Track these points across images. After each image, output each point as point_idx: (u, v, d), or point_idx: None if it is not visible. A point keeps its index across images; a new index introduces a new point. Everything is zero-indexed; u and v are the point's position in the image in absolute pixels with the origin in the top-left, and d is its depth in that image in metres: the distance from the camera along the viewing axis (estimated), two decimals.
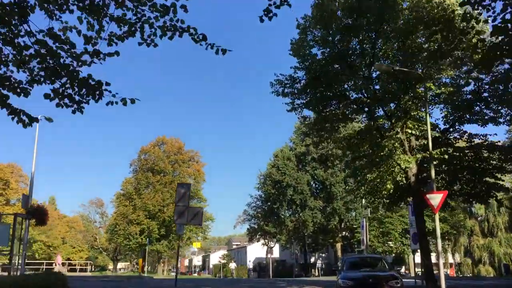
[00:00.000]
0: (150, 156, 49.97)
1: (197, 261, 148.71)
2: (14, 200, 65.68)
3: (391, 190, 16.04)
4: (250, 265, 61.99)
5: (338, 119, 17.93)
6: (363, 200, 42.15)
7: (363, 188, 18.01)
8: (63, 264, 72.14)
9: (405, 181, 16.52)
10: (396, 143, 15.79)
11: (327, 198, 49.22)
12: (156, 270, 55.63)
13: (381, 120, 16.35)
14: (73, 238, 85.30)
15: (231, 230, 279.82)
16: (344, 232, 52.19)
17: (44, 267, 56.78)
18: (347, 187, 48.01)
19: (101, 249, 72.79)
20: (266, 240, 60.76)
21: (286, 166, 49.19)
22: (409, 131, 16.11)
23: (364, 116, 18.23)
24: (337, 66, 16.91)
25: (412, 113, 16.13)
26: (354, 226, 51.42)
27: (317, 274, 47.16)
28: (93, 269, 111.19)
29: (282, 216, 53.46)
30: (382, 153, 15.78)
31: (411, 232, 24.92)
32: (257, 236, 60.76)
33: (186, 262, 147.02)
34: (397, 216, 45.01)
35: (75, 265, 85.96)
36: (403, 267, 67.28)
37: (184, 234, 49.42)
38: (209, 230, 53.34)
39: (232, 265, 50.38)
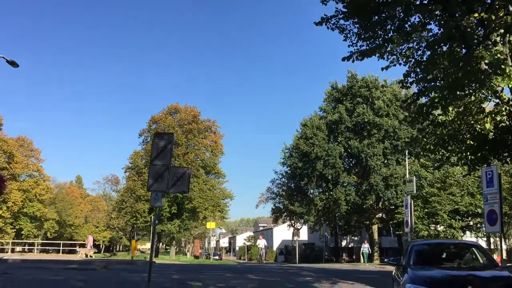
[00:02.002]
0: (161, 126, 44.38)
1: (223, 243, 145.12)
2: (24, 176, 62.00)
3: (490, 134, 9.63)
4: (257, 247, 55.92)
5: (397, 26, 11.23)
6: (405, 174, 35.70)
7: (436, 134, 11.53)
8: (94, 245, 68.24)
9: (507, 123, 10.05)
10: (499, 55, 9.35)
11: (362, 173, 42.62)
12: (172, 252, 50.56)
13: (472, 17, 9.73)
14: (95, 217, 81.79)
15: (258, 212, 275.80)
16: (381, 213, 45.69)
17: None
18: (386, 160, 41.33)
19: (117, 228, 68.45)
20: (292, 221, 54.93)
21: (315, 136, 42.73)
22: None
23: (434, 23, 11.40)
24: None
25: None
26: (392, 207, 44.89)
27: (363, 261, 40.14)
28: (120, 249, 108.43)
29: (311, 194, 47.36)
30: (472, 76, 9.39)
31: (486, 209, 18.48)
32: (283, 217, 54.96)
33: (213, 243, 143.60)
34: (445, 195, 38.21)
35: (98, 245, 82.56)
36: None
37: (200, 212, 44.00)
38: (228, 209, 47.87)
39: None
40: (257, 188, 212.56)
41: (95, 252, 37.68)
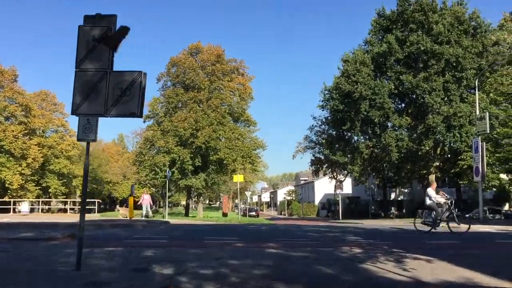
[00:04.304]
0: (181, 68, 39.00)
1: (264, 197, 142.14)
2: (49, 131, 58.82)
3: None
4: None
5: None
6: None
7: None
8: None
9: None
10: None
11: (416, 114, 35.98)
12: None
13: None
14: (134, 174, 79.44)
15: (300, 165, 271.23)
16: (438, 162, 39.18)
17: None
18: (447, 96, 34.38)
19: (149, 184, 65.06)
20: (334, 173, 49.19)
21: (359, 72, 36.14)
22: None
23: None
24: None
25: None
26: (449, 155, 38.29)
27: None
28: (164, 205, 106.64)
29: (355, 142, 41.32)
30: None
31: None
32: (323, 168, 49.24)
33: (255, 199, 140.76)
34: None
35: (137, 202, 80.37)
36: (507, 204, 54.28)
37: (228, 164, 38.93)
38: (260, 160, 42.60)
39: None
40: (298, 140, 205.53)
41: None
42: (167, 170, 32.33)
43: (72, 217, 31.95)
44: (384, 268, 7.71)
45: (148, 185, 66.84)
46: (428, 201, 16.23)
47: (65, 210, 56.20)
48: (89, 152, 7.80)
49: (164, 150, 37.22)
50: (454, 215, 15.79)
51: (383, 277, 7.12)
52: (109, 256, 8.93)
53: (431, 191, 16.40)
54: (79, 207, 52.51)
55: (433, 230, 15.53)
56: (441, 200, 15.99)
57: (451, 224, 15.43)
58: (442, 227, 15.84)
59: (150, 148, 39.26)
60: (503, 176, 34.07)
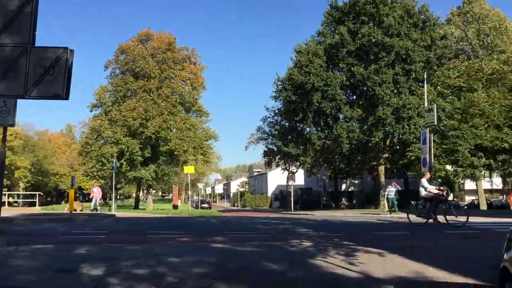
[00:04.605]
0: (130, 55, 37.50)
1: (218, 189, 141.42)
2: None
3: None
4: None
5: None
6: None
7: None
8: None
9: None
10: None
11: (367, 106, 36.26)
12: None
13: None
14: (81, 165, 76.42)
15: (254, 157, 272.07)
16: (387, 153, 39.81)
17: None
18: (396, 89, 34.86)
19: (97, 176, 62.71)
20: (287, 165, 49.18)
21: (311, 63, 35.97)
22: None
23: None
24: None
25: None
26: (397, 147, 38.98)
27: (387, 209, 29.56)
28: (118, 198, 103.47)
29: (307, 134, 41.29)
30: None
31: None
32: (276, 160, 49.15)
33: (209, 190, 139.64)
34: (467, 128, 32.17)
35: (88, 194, 77.58)
36: (451, 194, 56.25)
37: (179, 155, 37.87)
38: (212, 152, 41.83)
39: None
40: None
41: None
42: (114, 161, 31.11)
43: (13, 211, 29.94)
44: (334, 263, 7.30)
45: (97, 176, 64.48)
46: (423, 192, 15.61)
47: (8, 204, 53.26)
48: (6, 138, 6.92)
49: (111, 140, 35.75)
50: (451, 206, 15.08)
51: (333, 273, 6.70)
52: (35, 255, 8.10)
53: (424, 181, 15.77)
54: (23, 200, 49.93)
55: (429, 221, 14.98)
56: (435, 190, 15.41)
57: (448, 217, 14.69)
58: (441, 219, 15.05)
59: (97, 138, 37.58)
60: (448, 167, 34.97)
